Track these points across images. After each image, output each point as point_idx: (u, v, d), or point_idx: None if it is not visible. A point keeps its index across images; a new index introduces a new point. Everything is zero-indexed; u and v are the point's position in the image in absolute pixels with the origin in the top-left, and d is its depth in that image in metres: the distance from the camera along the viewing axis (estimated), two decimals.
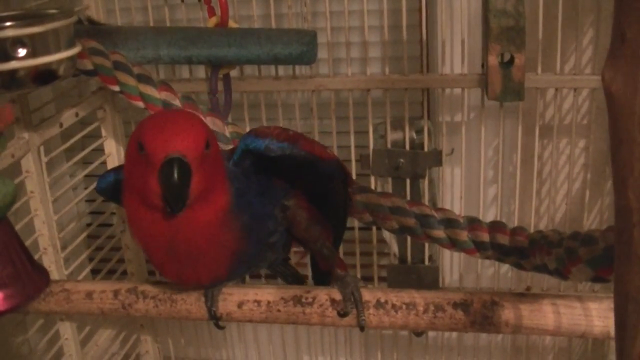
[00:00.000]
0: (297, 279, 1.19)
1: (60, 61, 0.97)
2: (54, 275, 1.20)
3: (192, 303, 0.98)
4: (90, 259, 1.40)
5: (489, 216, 1.38)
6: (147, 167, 0.79)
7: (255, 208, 0.90)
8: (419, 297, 0.93)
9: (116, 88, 1.14)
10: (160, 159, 0.78)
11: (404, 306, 0.93)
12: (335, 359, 1.65)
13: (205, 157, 0.81)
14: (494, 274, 1.45)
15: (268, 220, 0.93)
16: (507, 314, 0.90)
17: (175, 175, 0.77)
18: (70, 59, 1.00)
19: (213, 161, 0.83)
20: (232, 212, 0.86)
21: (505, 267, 1.50)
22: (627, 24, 0.52)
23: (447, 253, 1.51)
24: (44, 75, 0.97)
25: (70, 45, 1.00)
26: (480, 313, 0.91)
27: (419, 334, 1.47)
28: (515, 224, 1.33)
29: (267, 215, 0.92)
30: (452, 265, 1.54)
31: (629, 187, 0.55)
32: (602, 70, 0.54)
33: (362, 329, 0.93)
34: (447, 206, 1.46)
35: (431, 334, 1.58)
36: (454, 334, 1.58)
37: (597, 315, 0.88)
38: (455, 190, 1.42)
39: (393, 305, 0.93)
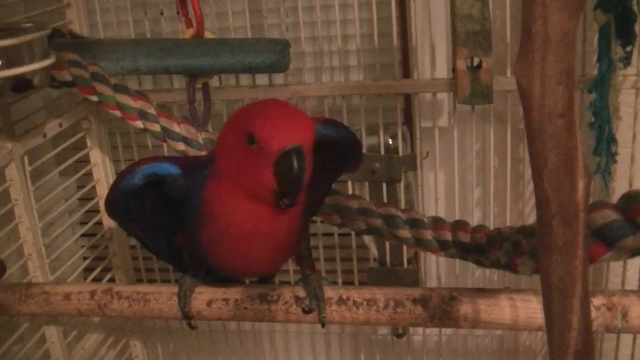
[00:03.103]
0: None
1: (34, 72, 1.02)
2: (39, 280, 1.23)
3: (163, 302, 1.02)
4: (79, 264, 1.43)
5: (468, 220, 1.40)
6: (259, 160, 0.78)
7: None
8: (379, 294, 0.96)
9: (94, 98, 1.19)
10: (277, 151, 0.77)
11: (365, 302, 0.96)
12: None
13: (311, 148, 0.81)
14: (473, 276, 1.47)
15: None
16: (465, 308, 0.93)
17: (296, 166, 0.76)
18: (45, 69, 1.04)
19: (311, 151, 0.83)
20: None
21: (487, 271, 1.52)
22: (533, 19, 0.55)
23: (429, 256, 1.53)
24: (19, 85, 1.01)
25: (44, 56, 1.04)
26: (439, 308, 0.94)
27: (399, 335, 1.49)
28: (492, 226, 1.35)
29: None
30: (437, 267, 1.55)
31: (545, 179, 0.57)
32: (513, 66, 0.57)
33: (322, 325, 0.96)
34: (429, 210, 1.48)
35: (416, 337, 1.60)
36: (438, 336, 1.60)
37: None
38: (438, 194, 1.44)
39: (354, 302, 0.96)
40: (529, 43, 0.55)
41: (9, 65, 0.98)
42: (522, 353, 1.59)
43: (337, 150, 0.95)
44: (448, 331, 1.59)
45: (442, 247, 1.04)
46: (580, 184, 0.57)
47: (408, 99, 1.43)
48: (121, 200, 0.93)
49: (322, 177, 0.99)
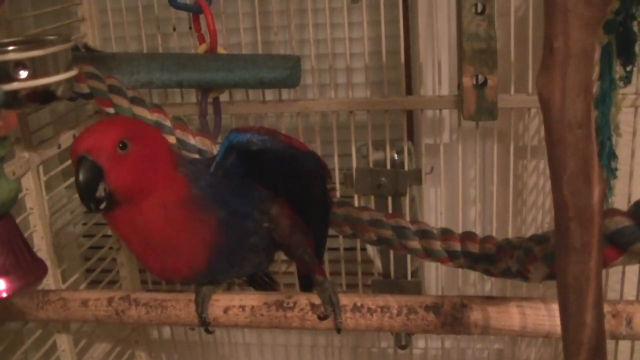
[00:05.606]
0: (270, 286, 1.24)
1: (58, 83, 1.05)
2: (52, 288, 1.26)
3: (181, 309, 1.04)
4: (86, 276, 1.45)
5: None
6: None
7: (233, 206, 0.96)
8: (393, 301, 0.99)
9: (111, 110, 1.21)
10: (74, 162, 0.86)
11: (378, 309, 0.99)
12: None
13: (123, 156, 0.87)
14: (475, 289, 1.50)
15: (247, 220, 0.98)
16: (476, 315, 0.96)
17: (80, 174, 0.85)
18: (68, 80, 1.07)
19: (143, 160, 0.89)
20: (200, 206, 0.92)
21: (488, 285, 1.55)
22: (555, 35, 0.58)
23: (430, 269, 1.56)
24: (44, 96, 1.04)
25: (67, 68, 1.07)
26: (450, 315, 0.97)
27: (402, 346, 1.52)
28: None
29: (245, 214, 0.98)
30: (437, 280, 1.59)
31: (564, 184, 0.61)
32: (535, 78, 0.61)
33: (338, 331, 0.99)
34: (431, 224, 1.51)
35: (416, 350, 1.63)
36: (436, 350, 1.63)
37: None
38: (439, 209, 1.48)
39: (369, 309, 0.99)
40: (551, 58, 0.59)
41: (35, 76, 1.01)
42: None
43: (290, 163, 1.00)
44: (447, 344, 1.62)
45: (451, 257, 1.07)
46: (596, 190, 0.61)
47: (410, 115, 1.47)
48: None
49: (292, 186, 1.03)
